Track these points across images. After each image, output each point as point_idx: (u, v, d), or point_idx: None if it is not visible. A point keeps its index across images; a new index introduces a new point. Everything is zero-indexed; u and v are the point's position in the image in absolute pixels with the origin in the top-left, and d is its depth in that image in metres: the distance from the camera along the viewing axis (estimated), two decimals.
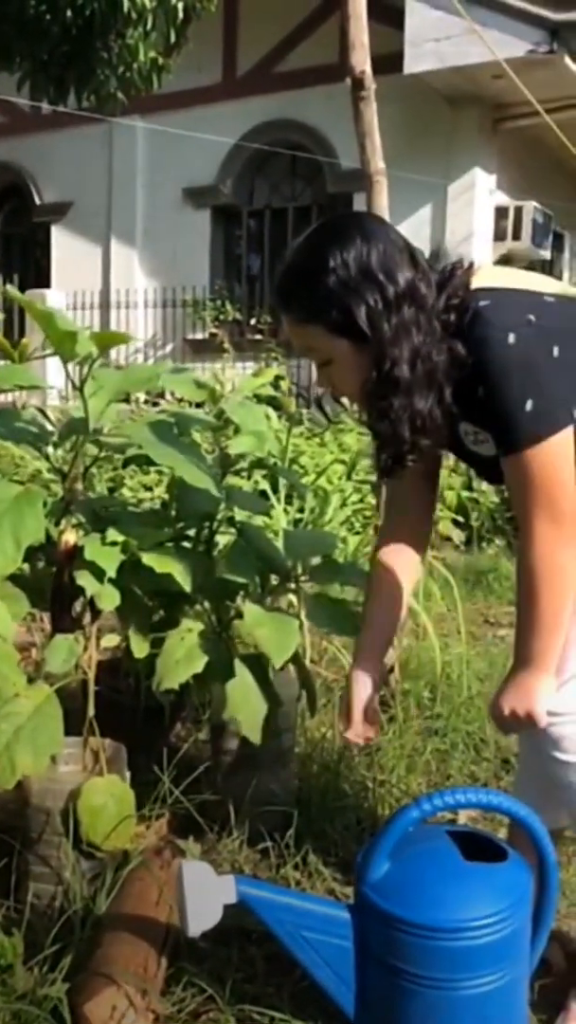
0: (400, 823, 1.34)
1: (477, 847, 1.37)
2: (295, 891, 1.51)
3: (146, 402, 7.12)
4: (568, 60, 7.76)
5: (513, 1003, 1.36)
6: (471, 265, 1.45)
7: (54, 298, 10.04)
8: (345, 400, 1.54)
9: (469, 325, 1.36)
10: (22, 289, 8.00)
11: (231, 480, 2.34)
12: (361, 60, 2.39)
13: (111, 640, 2.08)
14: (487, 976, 1.30)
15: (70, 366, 1.77)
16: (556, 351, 1.36)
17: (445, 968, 1.29)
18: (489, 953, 1.30)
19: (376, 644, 1.66)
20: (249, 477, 3.53)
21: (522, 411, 1.33)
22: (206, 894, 1.33)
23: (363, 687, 1.60)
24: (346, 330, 1.38)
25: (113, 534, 1.82)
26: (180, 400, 6.08)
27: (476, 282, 1.42)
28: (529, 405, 1.33)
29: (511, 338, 1.33)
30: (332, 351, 1.42)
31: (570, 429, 1.36)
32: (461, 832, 1.41)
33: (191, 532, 2.14)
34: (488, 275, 1.45)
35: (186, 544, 2.08)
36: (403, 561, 1.67)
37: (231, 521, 2.21)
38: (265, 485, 3.80)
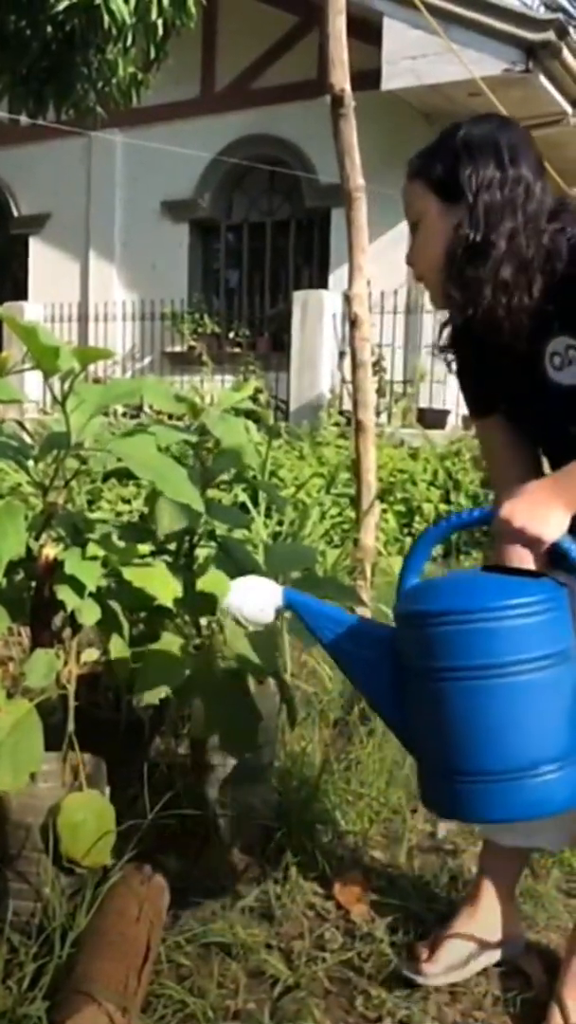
0: (428, 535, 1.40)
1: None
2: (338, 607, 1.52)
3: (124, 414, 7.13)
4: (543, 79, 7.87)
5: (559, 702, 1.28)
6: None
7: (32, 311, 10.04)
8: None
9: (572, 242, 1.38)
10: None
11: (211, 494, 2.34)
12: (340, 78, 2.42)
13: (91, 655, 2.07)
14: (526, 661, 1.25)
15: (52, 380, 1.77)
16: None
17: (483, 653, 1.25)
18: (525, 635, 1.25)
19: None
20: (230, 491, 3.53)
21: None
22: (255, 593, 1.46)
23: None
24: (443, 188, 1.40)
25: (93, 548, 1.82)
26: (159, 413, 6.09)
27: None
28: None
29: None
30: (423, 210, 1.44)
31: None
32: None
33: (171, 546, 2.15)
34: None
35: (166, 558, 2.08)
36: None
37: (211, 535, 2.22)
38: (245, 498, 3.80)
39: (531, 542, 1.29)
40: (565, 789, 1.27)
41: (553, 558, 1.32)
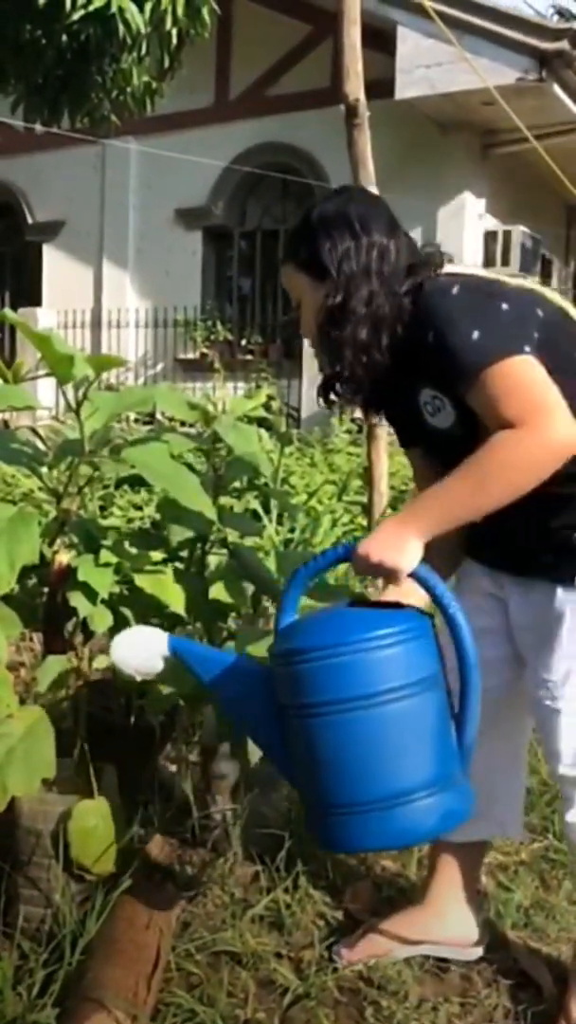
0: (298, 576, 1.46)
1: None
2: (224, 651, 1.60)
3: (136, 420, 7.14)
4: (557, 88, 7.86)
5: (425, 730, 1.33)
6: (451, 258, 1.57)
7: (45, 317, 10.07)
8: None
9: (422, 292, 1.46)
10: (13, 308, 8.01)
11: (223, 501, 2.35)
12: (355, 88, 2.43)
13: (103, 661, 2.07)
14: (388, 692, 1.29)
15: (66, 388, 1.78)
16: (505, 307, 1.40)
17: (345, 687, 1.30)
18: (385, 665, 1.30)
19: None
20: (241, 498, 3.53)
21: (470, 340, 1.36)
22: (139, 645, 1.49)
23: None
24: (309, 267, 1.51)
25: (106, 555, 1.83)
26: (171, 419, 6.10)
27: (447, 269, 1.51)
28: (476, 335, 1.36)
29: (455, 289, 1.42)
30: (299, 289, 1.55)
31: (530, 357, 1.35)
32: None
33: (183, 553, 2.15)
34: (461, 267, 1.55)
35: (178, 565, 2.09)
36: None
37: (223, 542, 2.22)
38: (256, 505, 3.81)
39: (390, 575, 1.38)
40: (435, 815, 1.32)
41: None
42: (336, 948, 1.76)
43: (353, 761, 1.31)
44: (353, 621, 1.36)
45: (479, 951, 1.78)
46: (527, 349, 1.35)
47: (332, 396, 1.58)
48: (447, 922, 1.77)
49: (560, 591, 1.49)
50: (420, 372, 1.47)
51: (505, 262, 8.97)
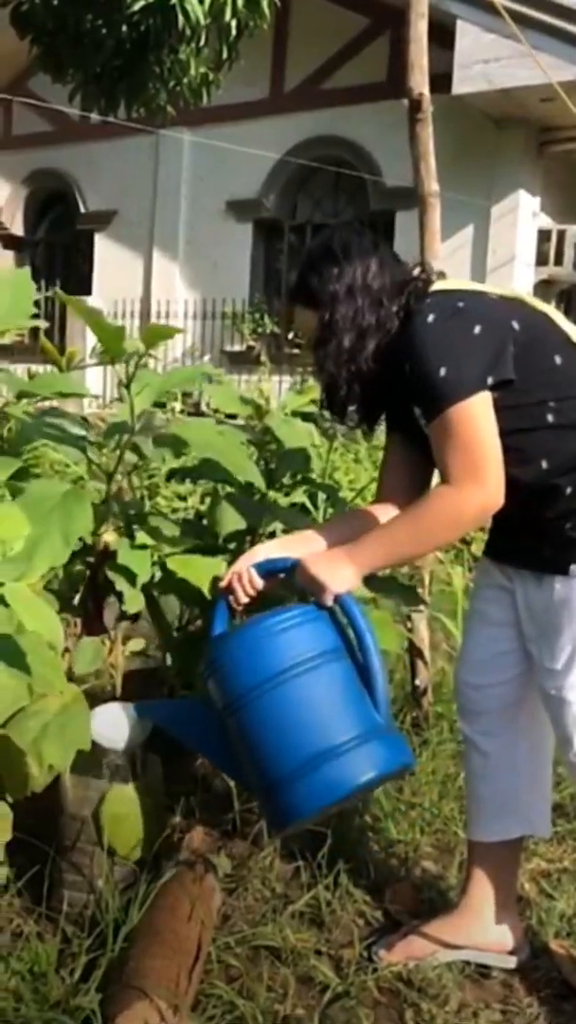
0: (219, 607, 1.68)
1: None
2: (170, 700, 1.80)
3: (182, 411, 7.15)
4: None
5: (339, 690, 1.53)
6: (440, 273, 1.67)
7: (95, 305, 10.14)
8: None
9: (408, 317, 1.56)
10: None
11: (272, 495, 2.34)
12: (419, 83, 2.39)
13: (137, 644, 2.08)
14: (301, 663, 1.50)
15: (117, 366, 1.79)
16: (478, 329, 1.49)
17: (262, 668, 1.51)
18: (293, 641, 1.52)
19: (310, 537, 1.71)
20: (289, 493, 3.53)
21: (437, 376, 1.47)
22: (109, 719, 1.73)
23: (264, 550, 1.68)
24: (308, 301, 1.63)
25: (142, 537, 1.83)
26: (216, 411, 6.11)
27: (437, 287, 1.61)
28: (443, 371, 1.46)
29: (430, 318, 1.51)
30: (306, 325, 1.66)
31: (487, 395, 1.47)
32: None
33: (232, 545, 2.14)
34: (450, 283, 1.64)
35: (227, 556, 2.08)
36: (380, 514, 1.71)
37: (271, 536, 2.21)
38: (304, 500, 3.79)
39: (321, 590, 1.55)
40: (371, 761, 1.48)
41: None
42: (375, 948, 1.76)
43: (286, 732, 1.49)
44: (257, 619, 1.58)
45: (518, 958, 1.76)
46: (490, 380, 1.46)
47: (335, 410, 1.68)
48: (487, 928, 1.76)
49: (558, 582, 1.55)
50: (408, 394, 1.56)
51: (558, 261, 8.85)
